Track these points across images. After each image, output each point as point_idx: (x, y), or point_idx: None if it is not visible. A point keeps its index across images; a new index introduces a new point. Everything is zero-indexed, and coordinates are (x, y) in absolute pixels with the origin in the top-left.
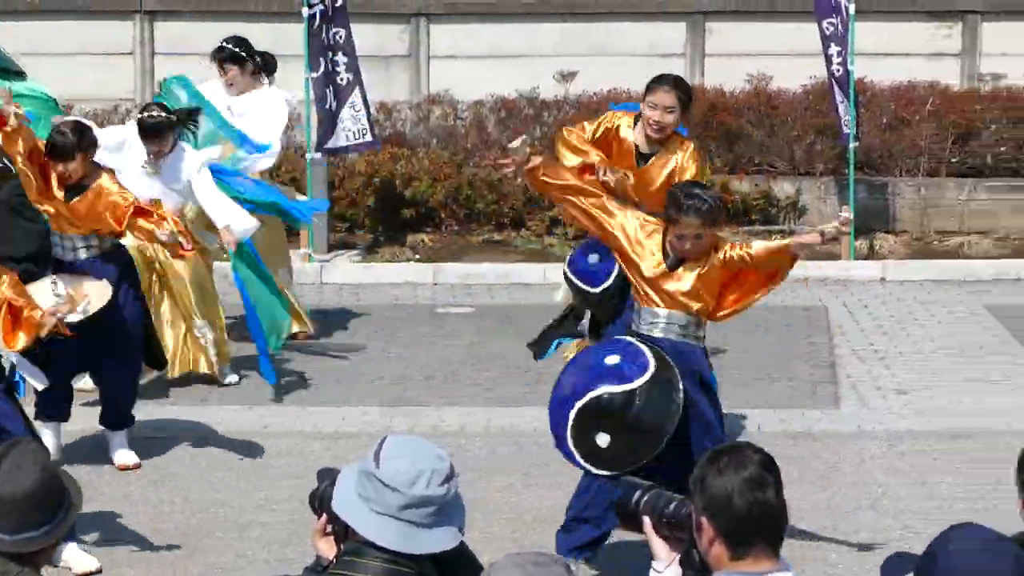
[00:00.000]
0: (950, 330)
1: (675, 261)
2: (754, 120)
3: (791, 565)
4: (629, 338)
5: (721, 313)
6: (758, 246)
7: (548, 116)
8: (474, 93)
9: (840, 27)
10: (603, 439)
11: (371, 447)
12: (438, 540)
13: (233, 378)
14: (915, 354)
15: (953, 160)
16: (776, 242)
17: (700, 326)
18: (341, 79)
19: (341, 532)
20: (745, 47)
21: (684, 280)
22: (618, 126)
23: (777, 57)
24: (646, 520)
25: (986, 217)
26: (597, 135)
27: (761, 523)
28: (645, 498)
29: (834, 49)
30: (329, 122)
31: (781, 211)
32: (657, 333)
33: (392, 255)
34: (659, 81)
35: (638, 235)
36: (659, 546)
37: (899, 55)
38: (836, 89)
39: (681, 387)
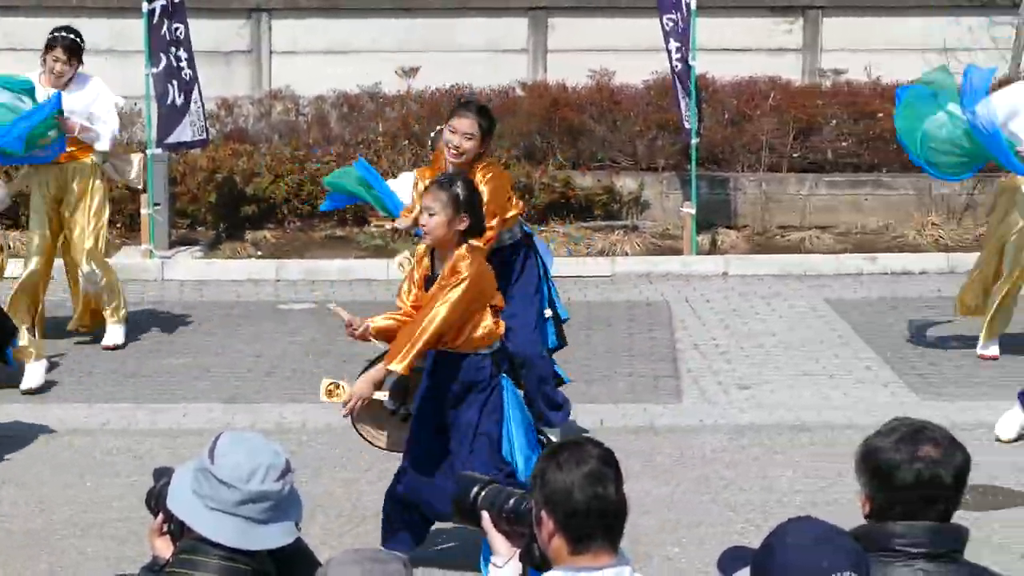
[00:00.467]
0: (791, 325)
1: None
2: (597, 115)
3: (631, 560)
4: None
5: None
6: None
7: (390, 112)
8: (316, 88)
9: (681, 22)
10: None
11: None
12: (274, 536)
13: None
14: (756, 348)
15: (794, 155)
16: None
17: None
18: (185, 74)
19: (177, 531)
20: (587, 42)
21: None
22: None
23: (620, 52)
24: (485, 515)
25: (827, 212)
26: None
27: (601, 518)
28: (483, 493)
29: (674, 44)
30: (171, 118)
31: (624, 206)
32: None
33: (234, 251)
34: (462, 107)
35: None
36: (499, 541)
37: (741, 50)
38: (678, 85)
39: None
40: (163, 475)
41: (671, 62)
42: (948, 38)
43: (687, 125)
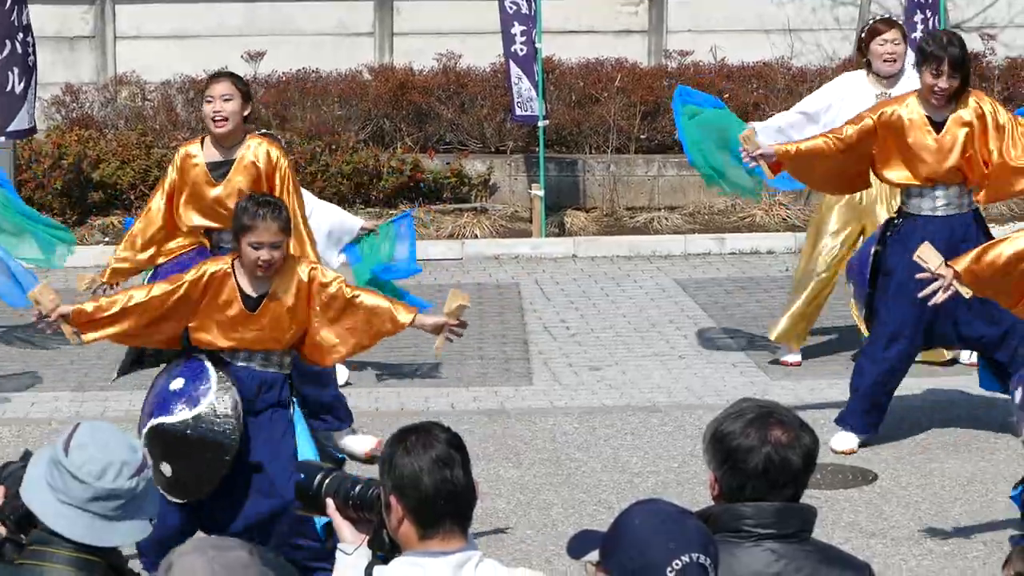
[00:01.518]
0: (641, 305)
1: (255, 300)
2: (444, 98)
3: (477, 544)
4: (199, 359)
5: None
6: (367, 300)
7: None
8: (162, 74)
9: (525, 5)
10: (166, 468)
11: (63, 432)
12: (126, 533)
13: None
14: (607, 330)
15: (642, 137)
16: (385, 304)
17: (287, 354)
18: (30, 60)
19: (6, 514)
20: (433, 25)
21: (268, 317)
22: (183, 160)
23: (466, 35)
24: (330, 502)
25: (675, 193)
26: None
27: (450, 502)
28: (328, 480)
29: (518, 28)
30: (11, 105)
31: (472, 189)
32: (239, 362)
33: (81, 237)
34: (211, 77)
35: (208, 297)
36: (346, 529)
37: (587, 32)
38: (512, 67)
39: (233, 410)
40: (28, 457)
41: (510, 46)
42: (792, 18)
43: (519, 111)
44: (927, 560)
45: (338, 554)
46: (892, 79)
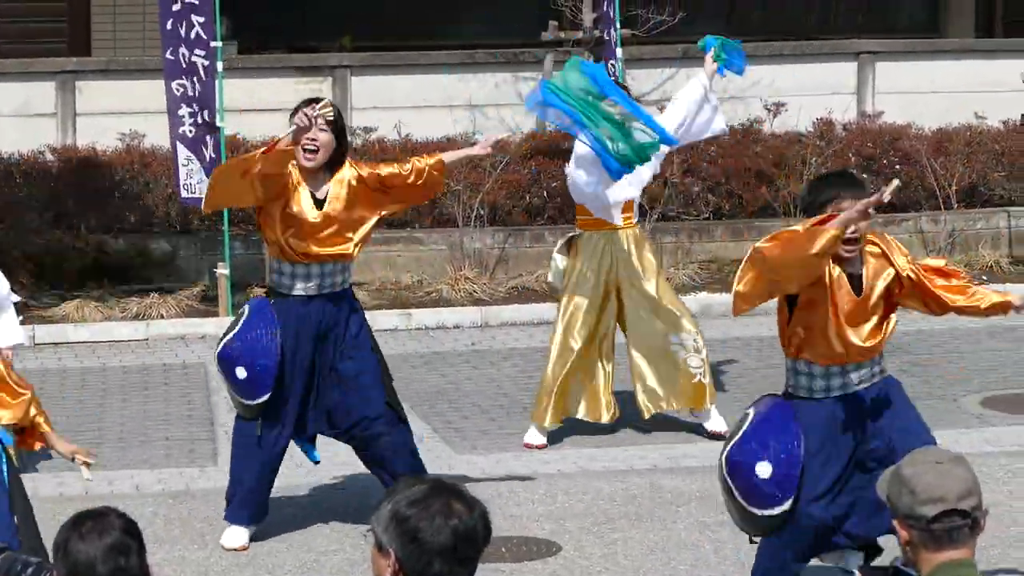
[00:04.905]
0: None
1: None
2: (128, 178)
3: None
4: None
5: None
6: None
7: None
8: None
9: (191, 87)
10: None
11: None
12: None
13: None
14: None
15: None
16: None
17: None
18: None
19: None
20: (116, 105)
21: None
22: None
23: (149, 115)
24: None
25: (361, 269)
26: None
27: None
28: None
29: (185, 110)
30: None
31: (158, 269)
32: None
33: None
34: None
35: None
36: None
37: (270, 110)
38: (180, 150)
39: None
40: None
41: (177, 128)
42: (475, 94)
43: (184, 193)
44: None
45: None
46: None
